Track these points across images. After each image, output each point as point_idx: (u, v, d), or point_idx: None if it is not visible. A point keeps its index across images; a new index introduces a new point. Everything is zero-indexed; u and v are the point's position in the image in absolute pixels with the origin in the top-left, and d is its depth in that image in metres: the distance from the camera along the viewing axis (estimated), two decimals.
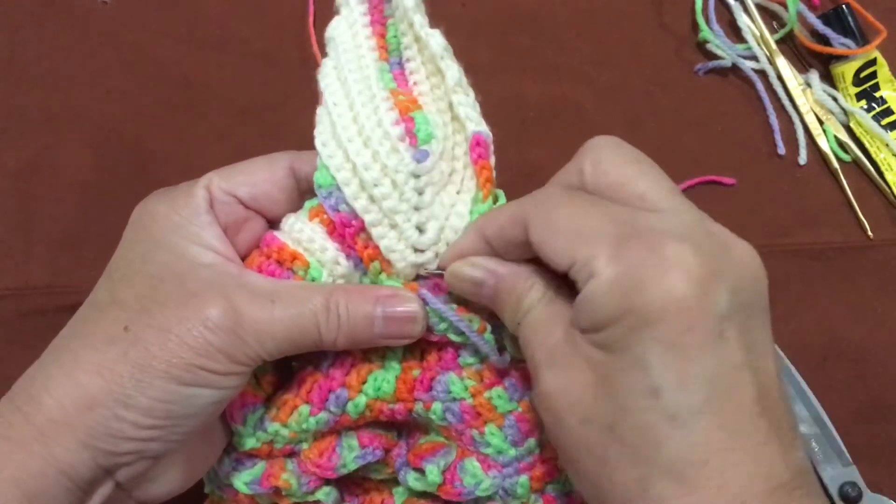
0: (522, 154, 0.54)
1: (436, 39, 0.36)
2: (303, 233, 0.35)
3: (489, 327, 0.36)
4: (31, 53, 0.55)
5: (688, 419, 0.27)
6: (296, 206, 0.37)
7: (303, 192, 0.37)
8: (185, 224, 0.34)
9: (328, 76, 0.37)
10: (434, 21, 0.37)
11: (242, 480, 0.36)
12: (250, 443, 0.36)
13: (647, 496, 0.28)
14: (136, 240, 0.35)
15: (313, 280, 0.35)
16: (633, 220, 0.30)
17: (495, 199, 0.37)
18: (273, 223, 0.37)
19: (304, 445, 0.37)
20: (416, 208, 0.35)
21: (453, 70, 0.36)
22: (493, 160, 0.36)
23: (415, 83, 0.38)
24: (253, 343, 0.32)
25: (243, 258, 0.36)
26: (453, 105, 0.36)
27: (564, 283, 0.32)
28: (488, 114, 0.37)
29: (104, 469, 0.31)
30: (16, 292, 0.50)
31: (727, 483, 0.27)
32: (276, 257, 0.35)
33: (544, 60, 0.58)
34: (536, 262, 0.33)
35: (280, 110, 0.54)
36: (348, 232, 0.35)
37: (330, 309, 0.33)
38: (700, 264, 0.28)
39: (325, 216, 0.36)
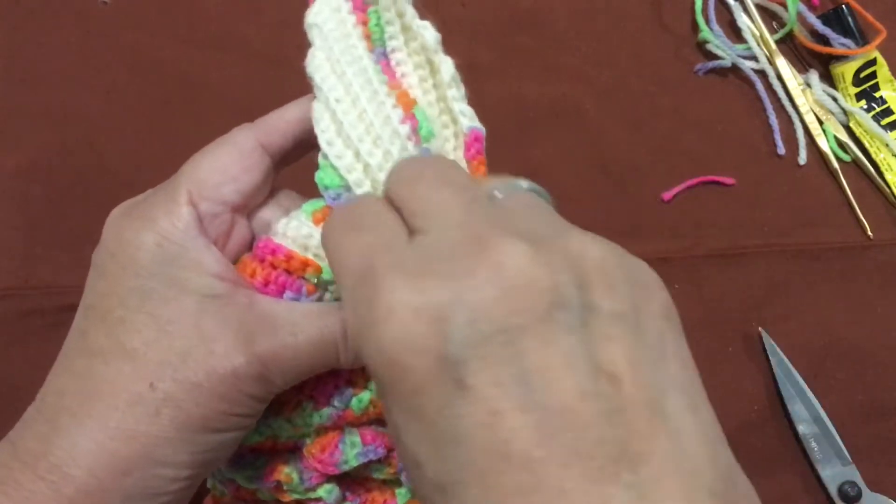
0: (522, 154, 0.54)
1: (429, 32, 0.36)
2: (311, 238, 0.34)
3: None
4: (31, 53, 0.55)
5: (453, 490, 0.22)
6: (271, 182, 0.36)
7: (277, 167, 0.36)
8: (181, 253, 0.31)
9: (322, 68, 0.35)
10: (434, 21, 0.37)
11: (245, 475, 0.36)
12: (254, 437, 0.36)
13: None
14: (123, 274, 0.31)
15: (327, 283, 0.35)
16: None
17: None
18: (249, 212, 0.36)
19: (308, 441, 0.37)
20: None
21: (448, 64, 0.36)
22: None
23: (402, 75, 0.37)
24: (280, 382, 0.32)
25: (234, 261, 0.34)
26: (447, 100, 0.36)
27: None
28: (488, 114, 0.37)
29: None
30: (16, 292, 0.50)
31: None
32: (286, 267, 0.34)
33: (544, 60, 0.58)
34: None
35: None
36: None
37: (347, 334, 0.33)
38: (420, 300, 0.21)
39: None
